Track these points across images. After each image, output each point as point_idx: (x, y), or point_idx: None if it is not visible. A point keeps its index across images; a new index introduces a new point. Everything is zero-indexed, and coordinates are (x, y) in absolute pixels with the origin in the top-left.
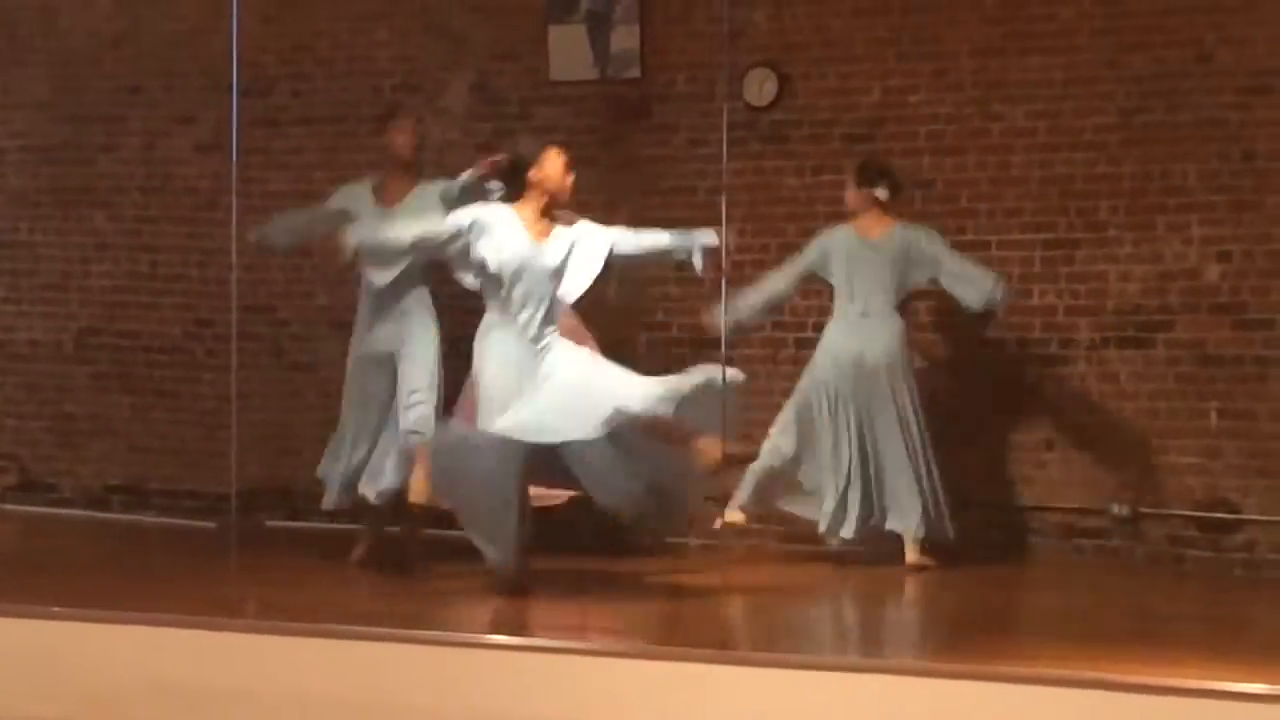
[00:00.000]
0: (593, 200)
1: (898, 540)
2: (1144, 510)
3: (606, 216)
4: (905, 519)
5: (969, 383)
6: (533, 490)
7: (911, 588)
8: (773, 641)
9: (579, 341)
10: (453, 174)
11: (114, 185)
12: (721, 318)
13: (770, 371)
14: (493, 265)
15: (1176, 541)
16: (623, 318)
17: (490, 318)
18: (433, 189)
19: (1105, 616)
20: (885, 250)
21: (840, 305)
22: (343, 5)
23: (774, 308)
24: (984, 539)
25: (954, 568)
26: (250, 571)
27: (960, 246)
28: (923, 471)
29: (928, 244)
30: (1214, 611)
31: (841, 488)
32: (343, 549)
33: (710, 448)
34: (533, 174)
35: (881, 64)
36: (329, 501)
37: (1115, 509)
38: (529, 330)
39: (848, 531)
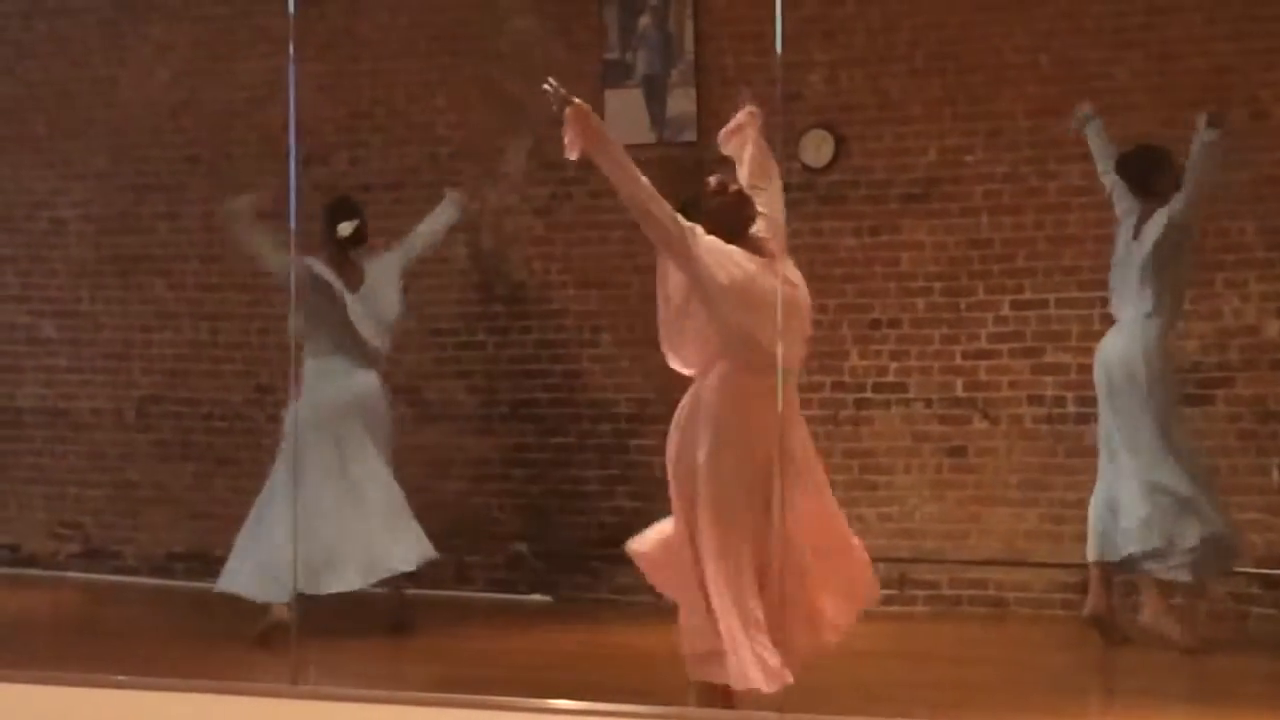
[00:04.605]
0: (650, 263)
1: None
2: None
3: None
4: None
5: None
6: None
7: (966, 646)
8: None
9: None
10: (511, 240)
11: (174, 253)
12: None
13: (830, 433)
14: None
15: (1240, 599)
16: (681, 379)
17: None
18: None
19: (1169, 674)
20: None
21: None
22: (400, 73)
23: None
24: (1045, 599)
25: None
26: (311, 638)
27: (1019, 305)
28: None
29: None
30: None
31: None
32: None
33: None
34: None
35: (938, 124)
36: None
37: None
38: None
39: None
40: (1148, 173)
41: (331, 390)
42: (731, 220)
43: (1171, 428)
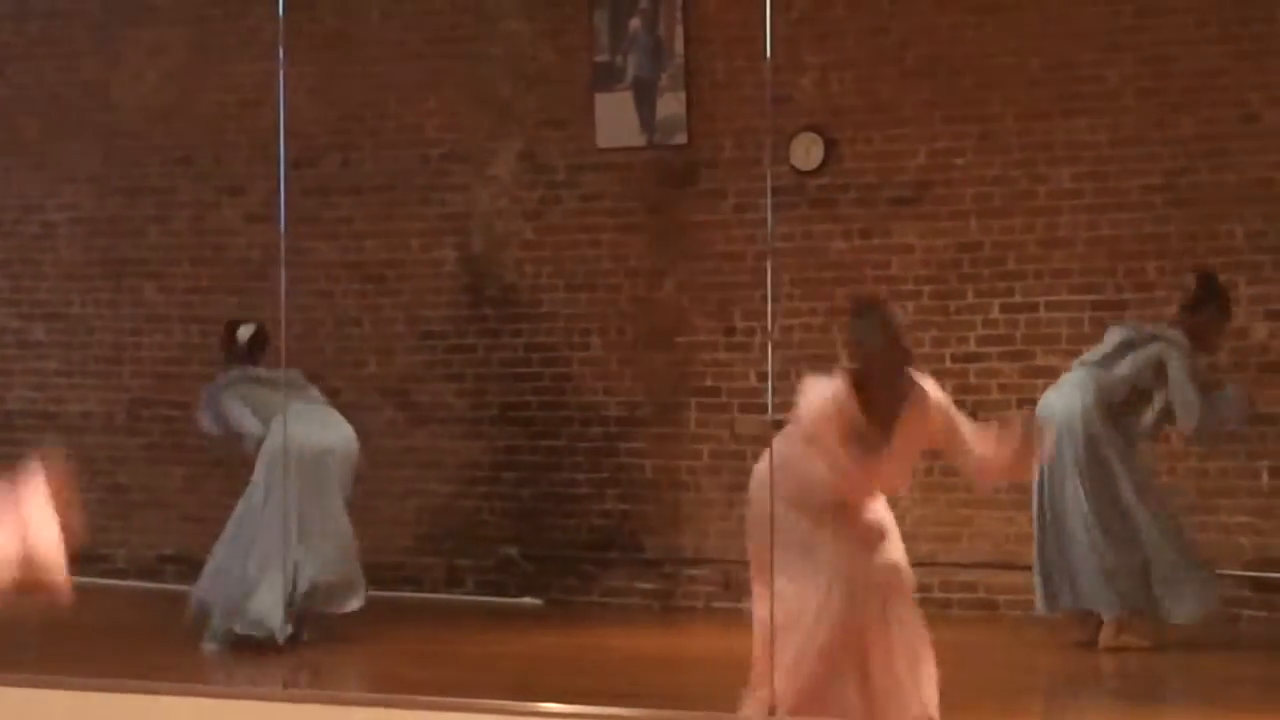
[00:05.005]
0: (640, 267)
1: None
2: None
3: (653, 283)
4: None
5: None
6: None
7: (957, 649)
8: None
9: None
10: (502, 243)
11: (165, 256)
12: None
13: None
14: None
15: (1231, 602)
16: (671, 383)
17: None
18: None
19: (1160, 676)
20: None
21: None
22: (391, 76)
23: None
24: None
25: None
26: (301, 643)
27: (1009, 309)
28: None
29: None
30: (1271, 673)
31: None
32: (384, 621)
33: None
34: None
35: (928, 127)
36: None
37: None
38: None
39: None
40: (1205, 301)
41: (310, 433)
42: (886, 367)
43: (1120, 484)
